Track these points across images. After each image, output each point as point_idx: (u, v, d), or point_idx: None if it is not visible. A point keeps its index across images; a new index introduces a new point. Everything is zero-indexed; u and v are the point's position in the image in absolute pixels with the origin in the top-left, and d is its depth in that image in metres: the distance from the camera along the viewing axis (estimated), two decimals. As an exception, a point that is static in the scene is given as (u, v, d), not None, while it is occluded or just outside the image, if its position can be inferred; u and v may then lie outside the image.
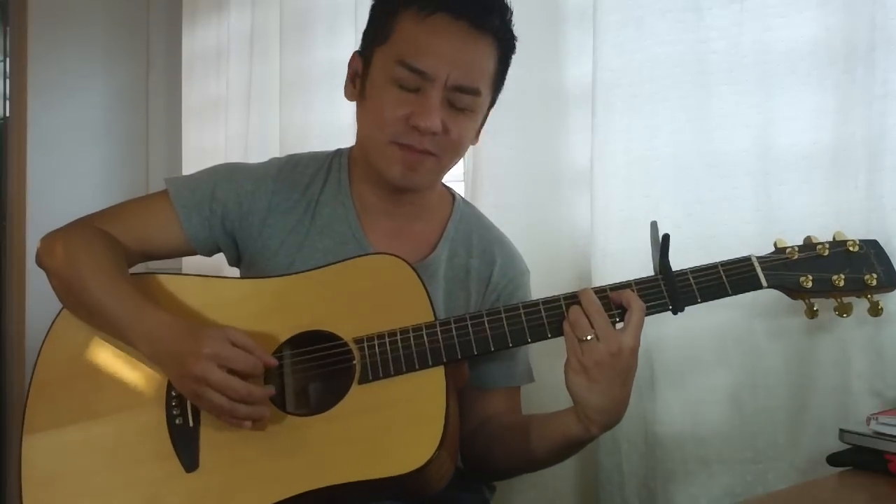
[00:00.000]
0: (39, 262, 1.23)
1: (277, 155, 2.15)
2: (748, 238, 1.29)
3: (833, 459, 1.06)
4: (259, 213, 1.26)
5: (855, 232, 1.18)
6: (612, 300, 1.10)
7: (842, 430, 1.07)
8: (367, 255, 1.20)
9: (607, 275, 1.42)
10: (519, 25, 1.22)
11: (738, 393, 1.33)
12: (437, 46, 1.13)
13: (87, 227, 1.23)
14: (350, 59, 1.26)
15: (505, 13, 1.19)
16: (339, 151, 1.33)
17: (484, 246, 1.31)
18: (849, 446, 1.06)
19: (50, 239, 1.23)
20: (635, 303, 1.08)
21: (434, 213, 1.31)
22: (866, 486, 1.01)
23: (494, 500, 1.33)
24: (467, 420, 1.25)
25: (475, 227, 1.32)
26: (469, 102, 1.16)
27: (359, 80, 1.23)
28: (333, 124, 2.06)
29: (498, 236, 1.34)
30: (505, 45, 1.20)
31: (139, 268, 1.27)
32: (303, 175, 1.29)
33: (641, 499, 1.44)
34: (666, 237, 1.11)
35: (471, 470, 1.26)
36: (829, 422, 1.21)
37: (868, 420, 1.04)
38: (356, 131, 1.26)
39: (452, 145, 1.18)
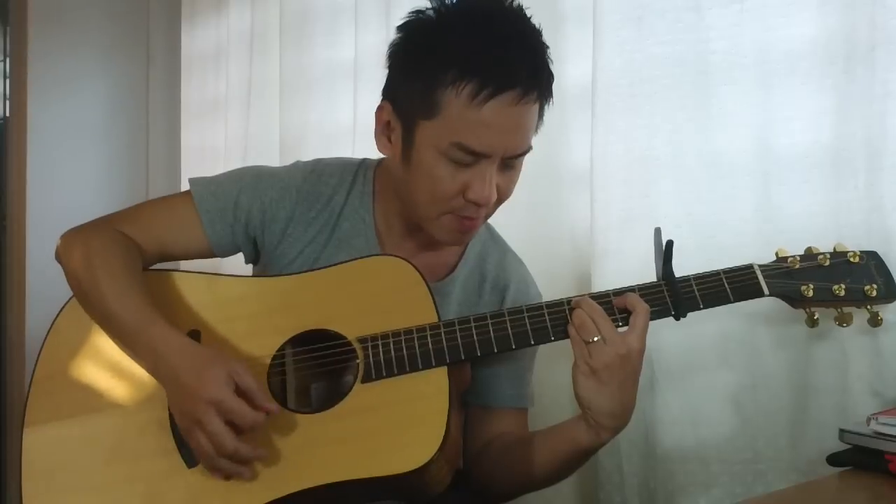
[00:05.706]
0: (58, 258, 1.23)
1: (277, 155, 2.19)
2: (748, 238, 1.29)
3: (833, 459, 1.06)
4: (281, 221, 1.25)
5: (855, 231, 1.18)
6: (616, 305, 1.10)
7: (842, 430, 1.06)
8: (372, 256, 1.20)
9: (607, 275, 1.42)
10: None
11: (739, 393, 1.33)
12: (493, 129, 1.09)
13: (107, 229, 1.22)
14: (377, 111, 1.18)
15: (547, 72, 1.14)
16: (364, 163, 1.30)
17: (498, 272, 1.30)
18: (849, 446, 1.06)
19: (70, 237, 1.23)
20: (640, 305, 1.08)
21: None
22: (866, 486, 1.01)
23: (494, 500, 1.33)
24: (475, 439, 1.25)
25: (492, 250, 1.31)
26: (520, 160, 1.16)
27: (395, 139, 1.16)
28: (333, 124, 2.06)
29: (513, 262, 1.33)
30: (547, 95, 1.16)
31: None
32: (326, 185, 1.27)
33: (641, 499, 1.43)
34: (669, 243, 1.11)
35: (477, 492, 1.25)
36: (829, 422, 1.21)
37: (868, 420, 1.04)
38: (396, 177, 1.19)
39: (502, 200, 1.18)
